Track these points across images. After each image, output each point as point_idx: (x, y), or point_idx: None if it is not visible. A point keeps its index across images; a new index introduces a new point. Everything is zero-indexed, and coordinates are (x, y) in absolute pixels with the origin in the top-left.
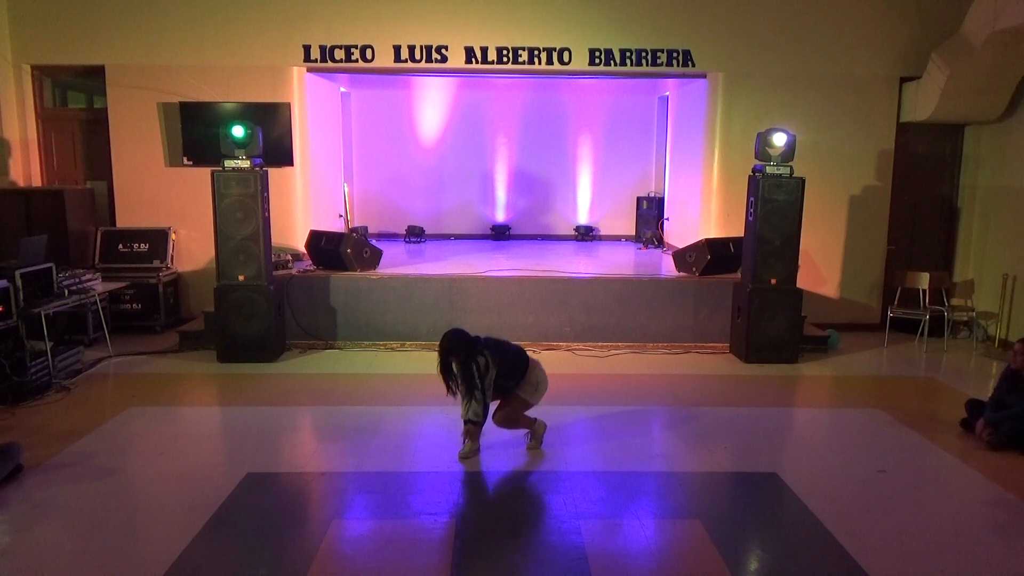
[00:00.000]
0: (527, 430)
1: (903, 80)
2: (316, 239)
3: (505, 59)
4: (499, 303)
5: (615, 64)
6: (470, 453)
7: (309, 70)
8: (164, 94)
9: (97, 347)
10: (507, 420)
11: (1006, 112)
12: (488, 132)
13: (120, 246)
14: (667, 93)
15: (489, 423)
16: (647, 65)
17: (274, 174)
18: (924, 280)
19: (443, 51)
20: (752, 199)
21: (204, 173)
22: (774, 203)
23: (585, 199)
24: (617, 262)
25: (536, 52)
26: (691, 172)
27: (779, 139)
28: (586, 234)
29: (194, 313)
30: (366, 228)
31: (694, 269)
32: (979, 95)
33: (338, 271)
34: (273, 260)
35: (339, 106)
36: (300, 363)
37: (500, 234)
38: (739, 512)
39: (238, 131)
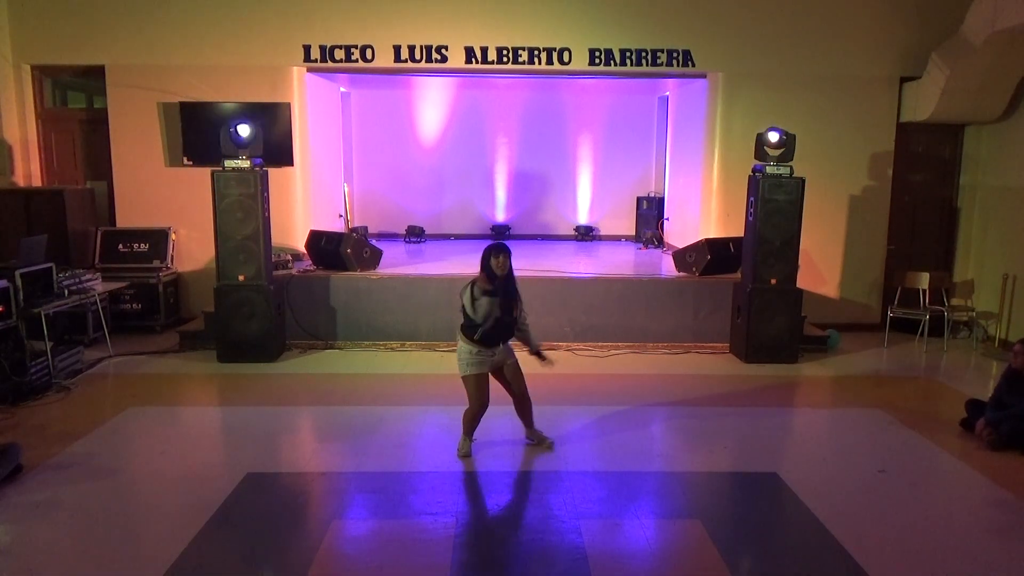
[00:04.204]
0: (529, 431)
1: (903, 80)
2: (316, 239)
3: (505, 59)
4: None
5: (615, 64)
6: (468, 452)
7: (309, 70)
8: (164, 94)
9: (97, 347)
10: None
11: (1006, 112)
12: (488, 132)
13: (120, 246)
14: (667, 93)
15: (492, 420)
16: (647, 65)
17: (274, 174)
18: (924, 280)
19: (443, 51)
20: (752, 199)
21: (204, 173)
22: (774, 203)
23: (585, 199)
24: (617, 262)
25: (536, 52)
26: (691, 172)
27: (773, 136)
28: (586, 234)
29: (194, 313)
30: (366, 228)
31: (694, 269)
32: (979, 95)
33: (338, 271)
34: (273, 260)
35: (339, 106)
36: (300, 363)
37: (500, 234)
38: (739, 512)
39: (243, 130)
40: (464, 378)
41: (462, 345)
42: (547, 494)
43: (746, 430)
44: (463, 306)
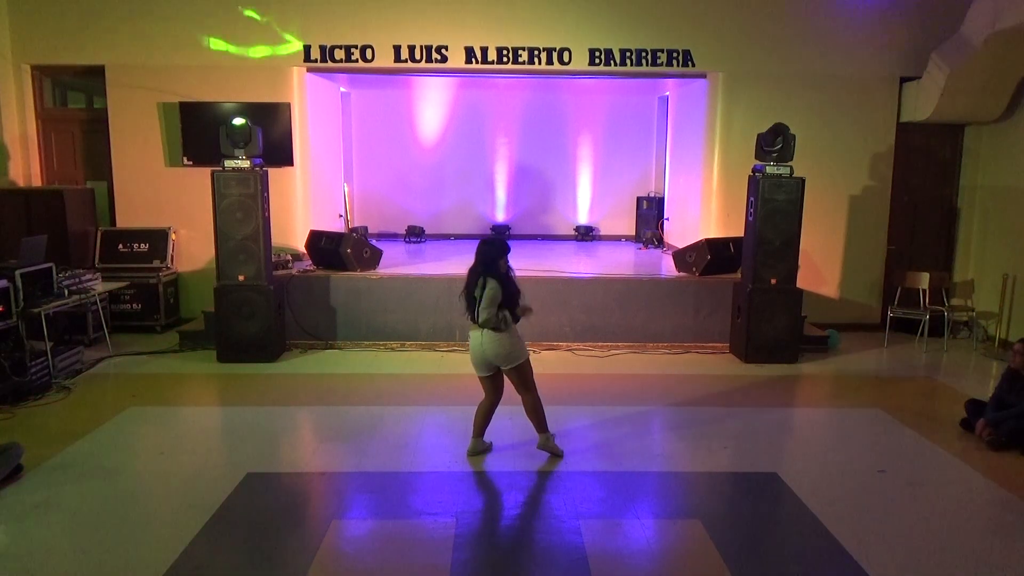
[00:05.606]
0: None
1: (903, 80)
2: (316, 239)
3: (505, 59)
4: None
5: (615, 64)
6: (476, 450)
7: (309, 70)
8: (164, 94)
9: (97, 347)
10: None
11: (1006, 112)
12: (488, 132)
13: (120, 246)
14: (667, 93)
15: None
16: (647, 65)
17: (274, 174)
18: (924, 280)
19: (443, 51)
20: (752, 199)
21: (204, 173)
22: (774, 203)
23: (585, 199)
24: (617, 262)
25: (536, 52)
26: (691, 172)
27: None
28: (586, 234)
29: (194, 313)
30: (366, 228)
31: (694, 269)
32: (979, 95)
33: (338, 271)
34: (273, 260)
35: (339, 106)
36: (300, 363)
37: (500, 234)
38: (739, 512)
39: (237, 120)
40: (524, 363)
41: (503, 337)
42: (547, 494)
43: (746, 430)
44: (481, 295)
